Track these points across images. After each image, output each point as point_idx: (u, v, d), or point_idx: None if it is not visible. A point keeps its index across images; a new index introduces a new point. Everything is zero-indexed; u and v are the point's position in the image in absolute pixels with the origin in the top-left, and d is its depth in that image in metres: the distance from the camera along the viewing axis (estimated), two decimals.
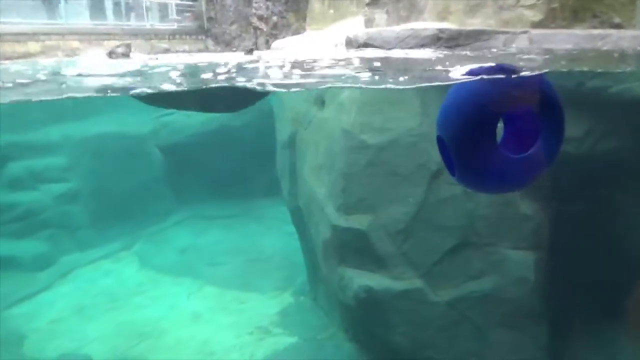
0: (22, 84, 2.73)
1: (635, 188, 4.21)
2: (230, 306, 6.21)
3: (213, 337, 5.63)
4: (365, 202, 4.80)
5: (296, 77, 3.09)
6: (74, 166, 8.53)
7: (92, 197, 8.46)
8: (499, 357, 4.34)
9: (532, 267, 4.31)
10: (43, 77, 2.94)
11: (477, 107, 1.91)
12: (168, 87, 2.80)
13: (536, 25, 3.80)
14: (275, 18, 5.60)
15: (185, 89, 2.87)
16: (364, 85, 3.19)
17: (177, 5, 5.77)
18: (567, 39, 3.53)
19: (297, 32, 6.31)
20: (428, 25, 4.51)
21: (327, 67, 3.25)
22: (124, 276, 7.07)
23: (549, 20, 3.81)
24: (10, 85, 2.64)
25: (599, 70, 3.72)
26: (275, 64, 3.55)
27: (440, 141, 2.09)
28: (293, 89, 3.61)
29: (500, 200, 4.48)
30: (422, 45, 3.86)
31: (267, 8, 5.60)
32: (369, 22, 5.07)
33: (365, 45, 4.51)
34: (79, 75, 2.91)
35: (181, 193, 8.99)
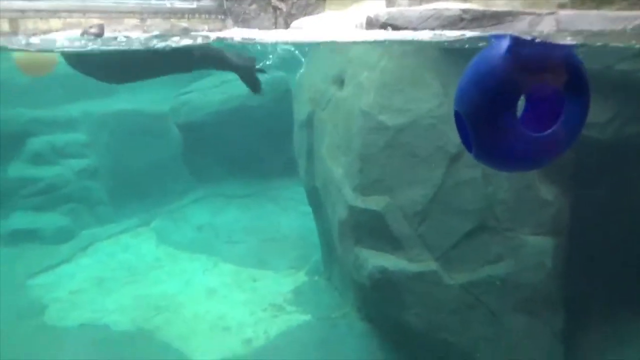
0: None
1: None
2: (245, 283, 6.30)
3: (228, 313, 5.73)
4: (382, 184, 4.80)
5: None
6: (93, 142, 8.66)
7: (112, 173, 8.59)
8: (513, 342, 4.34)
9: (550, 252, 4.28)
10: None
11: (498, 81, 1.86)
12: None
13: (564, 6, 3.71)
14: None
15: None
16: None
17: None
18: (596, 21, 3.44)
19: (316, 12, 6.25)
20: (451, 5, 4.42)
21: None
22: (142, 251, 7.21)
23: (577, 2, 3.72)
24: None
25: (628, 53, 3.63)
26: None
27: (457, 117, 2.06)
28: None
29: (520, 185, 4.43)
30: (444, 27, 3.80)
31: None
32: (390, 3, 5.00)
33: (386, 25, 4.45)
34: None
35: (199, 171, 9.07)
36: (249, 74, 4.02)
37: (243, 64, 3.92)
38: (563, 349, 4.34)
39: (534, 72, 1.89)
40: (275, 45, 4.32)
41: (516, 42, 2.03)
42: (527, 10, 3.77)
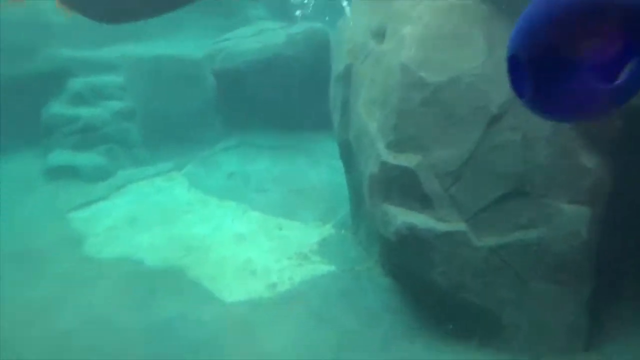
0: None
1: None
2: (272, 231, 6.43)
3: (254, 258, 5.89)
4: (416, 141, 4.74)
5: None
6: (131, 86, 8.78)
7: (147, 117, 8.75)
8: (537, 308, 4.34)
9: (586, 222, 4.19)
10: None
11: (566, 19, 1.74)
12: None
13: None
14: None
15: None
16: None
17: None
18: None
19: None
20: None
21: None
22: (175, 194, 7.41)
23: None
24: None
25: None
26: None
27: (511, 61, 1.96)
28: None
29: (560, 151, 4.31)
30: None
31: None
32: None
33: None
34: None
35: (232, 120, 9.14)
36: None
37: None
38: (588, 320, 4.33)
39: (602, 16, 1.74)
40: None
41: None
42: None
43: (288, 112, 8.83)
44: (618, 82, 1.82)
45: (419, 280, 4.81)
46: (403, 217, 4.76)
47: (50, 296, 5.15)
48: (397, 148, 4.84)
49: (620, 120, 4.11)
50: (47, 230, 6.35)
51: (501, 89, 4.46)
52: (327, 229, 6.42)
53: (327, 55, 6.91)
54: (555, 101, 1.89)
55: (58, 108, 8.40)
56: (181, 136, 8.67)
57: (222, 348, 4.58)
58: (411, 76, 4.74)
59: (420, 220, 4.67)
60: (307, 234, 6.32)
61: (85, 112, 8.38)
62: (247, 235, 6.36)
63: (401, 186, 4.85)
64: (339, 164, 6.51)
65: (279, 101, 8.80)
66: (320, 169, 7.84)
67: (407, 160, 4.78)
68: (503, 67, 2.06)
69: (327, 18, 9.00)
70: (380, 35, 5.51)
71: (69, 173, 7.70)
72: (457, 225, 4.55)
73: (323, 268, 5.68)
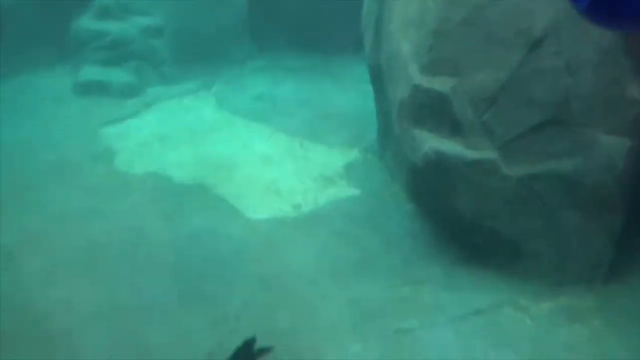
0: None
1: None
2: (298, 154, 6.44)
3: (280, 179, 5.96)
4: (451, 64, 4.53)
5: None
6: (159, 1, 8.54)
7: (176, 34, 8.56)
8: (563, 238, 4.31)
9: (624, 154, 4.03)
10: None
11: None
12: None
13: None
14: None
15: None
16: None
17: None
18: None
19: None
20: None
21: None
22: (202, 113, 7.41)
23: None
24: None
25: None
26: None
27: None
28: None
29: (606, 79, 4.07)
30: None
31: None
32: None
33: None
34: None
35: (261, 40, 8.90)
36: None
37: None
38: (613, 252, 4.29)
39: None
40: None
41: None
42: None
43: (319, 34, 8.54)
44: None
45: (442, 207, 4.80)
46: (432, 142, 4.66)
47: (83, 207, 5.37)
48: (431, 71, 4.65)
49: None
50: (79, 144, 6.50)
51: (548, 10, 4.15)
52: (353, 154, 6.39)
53: None
54: (616, 6, 1.72)
55: (87, 23, 8.30)
56: (210, 55, 8.52)
57: (246, 261, 4.75)
58: None
59: (449, 146, 4.57)
60: (333, 158, 6.31)
61: (114, 27, 8.26)
62: (273, 157, 6.39)
63: (432, 111, 4.72)
64: (368, 89, 6.34)
65: (310, 22, 8.48)
66: (348, 93, 7.68)
67: (441, 84, 4.60)
68: None
69: None
70: None
71: (99, 89, 7.75)
72: (487, 153, 4.44)
73: (347, 191, 5.71)
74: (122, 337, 3.93)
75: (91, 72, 7.93)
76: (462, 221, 4.65)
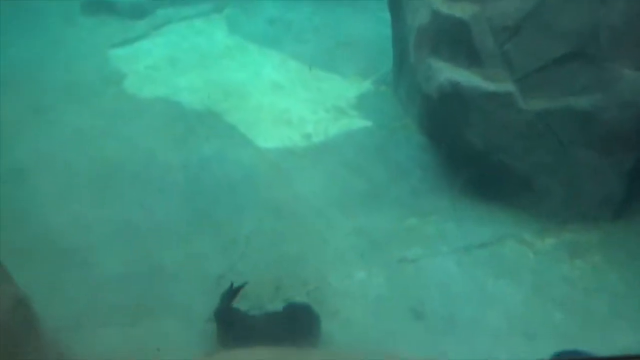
0: None
1: None
2: (311, 83, 6.30)
3: (291, 108, 5.88)
4: None
5: None
6: None
7: None
8: (574, 174, 4.27)
9: None
10: None
11: None
12: None
13: None
14: None
15: None
16: None
17: None
18: None
19: None
20: None
21: None
22: (214, 38, 7.20)
23: None
24: None
25: None
26: None
27: None
28: None
29: (638, 10, 3.84)
30: None
31: None
32: None
33: None
34: None
35: None
36: None
37: None
38: (623, 190, 4.26)
39: None
40: None
41: None
42: None
43: None
44: None
45: (454, 139, 4.74)
46: (447, 73, 4.52)
47: (95, 128, 5.39)
48: None
49: None
50: (88, 66, 6.41)
51: None
52: (367, 84, 6.24)
53: None
54: None
55: None
56: None
57: (256, 188, 4.81)
58: None
59: (466, 77, 4.44)
60: (346, 88, 6.18)
61: None
62: (285, 85, 6.27)
63: (451, 40, 4.54)
64: (386, 16, 6.08)
65: None
66: (365, 21, 7.35)
67: (462, 10, 4.39)
68: None
69: None
70: None
71: (108, 9, 7.51)
72: (504, 85, 4.31)
73: (359, 122, 5.64)
74: (135, 256, 4.08)
75: None
76: (473, 154, 4.60)
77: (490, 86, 4.32)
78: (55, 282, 3.79)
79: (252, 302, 3.77)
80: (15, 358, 2.46)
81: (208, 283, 3.91)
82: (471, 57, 4.39)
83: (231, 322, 3.51)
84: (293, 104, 5.94)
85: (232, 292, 3.66)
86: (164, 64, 6.54)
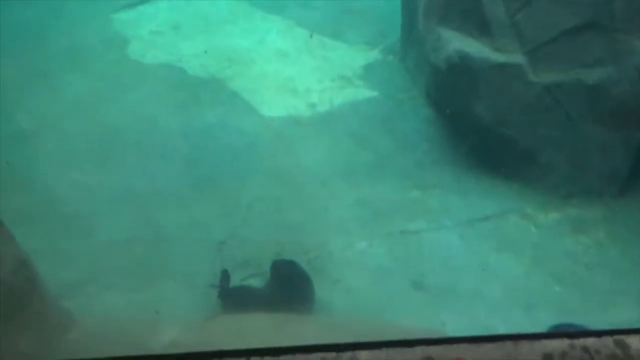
0: None
1: None
2: (317, 51, 6.19)
3: (296, 76, 5.79)
4: None
5: None
6: None
7: None
8: (580, 149, 4.21)
9: None
10: None
11: None
12: None
13: None
14: None
15: None
16: None
17: None
18: None
19: None
20: None
21: None
22: (217, 2, 7.02)
23: None
24: None
25: None
26: None
27: None
28: None
29: None
30: None
31: None
32: None
33: None
34: None
35: None
36: None
37: None
38: (630, 166, 4.20)
39: None
40: None
41: None
42: None
43: None
44: None
45: (461, 112, 4.67)
46: (456, 43, 4.42)
47: (97, 94, 5.34)
48: None
49: None
50: (91, 30, 6.30)
51: None
52: (374, 54, 6.11)
53: None
54: None
55: None
56: None
57: (259, 156, 4.78)
58: None
59: (474, 48, 4.33)
60: (353, 57, 6.06)
61: None
62: (291, 53, 6.16)
63: (461, 9, 4.43)
64: None
65: None
66: None
67: None
68: None
69: None
70: None
71: None
72: (514, 57, 4.22)
73: (365, 93, 5.56)
74: (137, 221, 4.10)
75: None
76: (479, 127, 4.54)
77: (499, 57, 4.22)
78: (57, 246, 3.82)
79: (253, 269, 3.79)
80: (18, 319, 2.49)
81: (210, 248, 3.93)
82: (481, 27, 4.28)
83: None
84: (298, 72, 5.84)
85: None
86: (168, 29, 6.42)
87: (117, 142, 4.80)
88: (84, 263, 3.76)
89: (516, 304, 3.65)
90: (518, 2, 4.14)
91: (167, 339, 2.69)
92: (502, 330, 3.46)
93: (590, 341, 1.09)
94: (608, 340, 1.10)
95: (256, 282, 3.68)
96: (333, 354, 1.02)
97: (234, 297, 3.52)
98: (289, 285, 3.52)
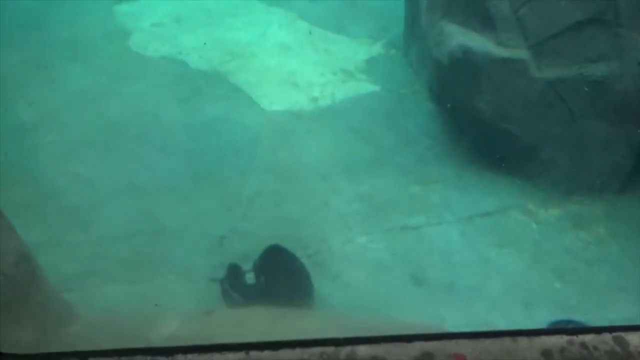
0: None
1: None
2: (319, 44, 6.16)
3: (298, 70, 5.77)
4: None
5: None
6: None
7: None
8: (582, 146, 4.20)
9: None
10: None
11: None
12: None
13: None
14: None
15: None
16: None
17: None
18: None
19: None
20: None
21: None
22: None
23: None
24: None
25: None
26: None
27: None
28: None
29: None
30: None
31: None
32: None
33: None
34: None
35: None
36: None
37: None
38: (633, 161, 4.19)
39: None
40: None
41: None
42: None
43: None
44: None
45: (463, 107, 4.65)
46: (459, 38, 4.40)
47: (98, 87, 5.33)
48: None
49: None
50: (92, 22, 6.28)
51: None
52: (377, 48, 6.09)
53: None
54: None
55: None
56: None
57: (260, 151, 4.78)
58: None
59: (478, 42, 4.31)
60: (355, 51, 6.04)
61: None
62: (293, 46, 6.14)
63: (465, 3, 4.40)
64: None
65: None
66: None
67: None
68: None
69: None
70: None
71: None
72: (518, 52, 4.19)
73: (367, 87, 5.54)
74: (138, 214, 4.10)
75: None
76: (481, 122, 4.53)
77: (502, 52, 4.20)
78: (58, 239, 3.82)
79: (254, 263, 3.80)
80: (19, 312, 2.50)
81: (210, 242, 3.94)
82: (485, 21, 4.25)
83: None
84: (300, 66, 5.82)
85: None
86: (169, 21, 6.40)
87: (117, 134, 4.79)
88: (85, 256, 3.77)
89: (516, 299, 3.65)
90: None
91: (167, 332, 2.70)
92: (501, 325, 3.47)
93: (589, 337, 1.09)
94: (607, 337, 1.10)
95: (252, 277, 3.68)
96: (332, 349, 1.02)
97: (232, 293, 3.52)
98: (284, 279, 3.53)
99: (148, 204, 4.20)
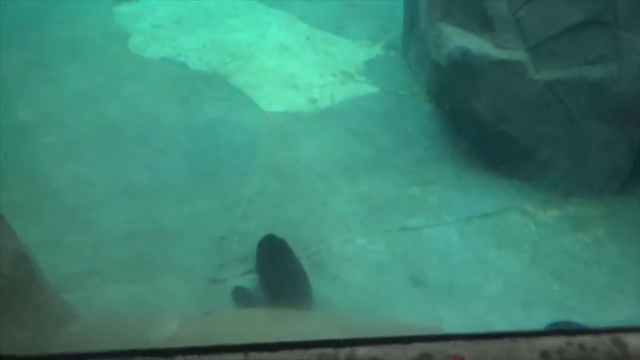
0: None
1: None
2: (319, 46, 6.17)
3: (298, 72, 5.78)
4: None
5: None
6: None
7: None
8: (581, 147, 4.21)
9: None
10: None
11: None
12: None
13: None
14: None
15: None
16: None
17: None
18: None
19: None
20: None
21: None
22: None
23: None
24: None
25: None
26: None
27: None
28: None
29: None
30: None
31: None
32: None
33: None
34: None
35: None
36: None
37: None
38: (632, 164, 4.20)
39: None
40: None
41: None
42: None
43: None
44: None
45: (462, 108, 4.66)
46: (458, 40, 4.41)
47: (98, 87, 5.33)
48: None
49: None
50: (92, 22, 6.29)
51: None
52: (376, 49, 6.10)
53: None
54: None
55: None
56: None
57: (259, 152, 4.79)
58: None
59: (476, 44, 4.32)
60: (355, 53, 6.05)
61: None
62: (293, 48, 6.15)
63: (464, 4, 4.40)
64: None
65: None
66: None
67: None
68: None
69: None
70: None
71: None
72: (516, 53, 4.20)
73: (367, 88, 5.55)
74: (138, 214, 4.10)
75: None
76: (479, 124, 4.54)
77: (501, 54, 4.21)
78: (57, 239, 3.83)
79: (253, 265, 3.80)
80: (18, 312, 2.50)
81: (210, 243, 3.94)
82: (484, 22, 4.27)
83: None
84: (300, 67, 5.83)
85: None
86: (169, 22, 6.40)
87: (117, 135, 4.80)
88: (85, 256, 3.77)
89: (514, 300, 3.66)
90: None
91: (167, 332, 2.70)
92: (500, 326, 3.48)
93: (587, 339, 1.10)
94: (605, 338, 1.11)
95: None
96: (331, 350, 1.03)
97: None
98: (282, 281, 3.53)
99: (148, 204, 4.21)
